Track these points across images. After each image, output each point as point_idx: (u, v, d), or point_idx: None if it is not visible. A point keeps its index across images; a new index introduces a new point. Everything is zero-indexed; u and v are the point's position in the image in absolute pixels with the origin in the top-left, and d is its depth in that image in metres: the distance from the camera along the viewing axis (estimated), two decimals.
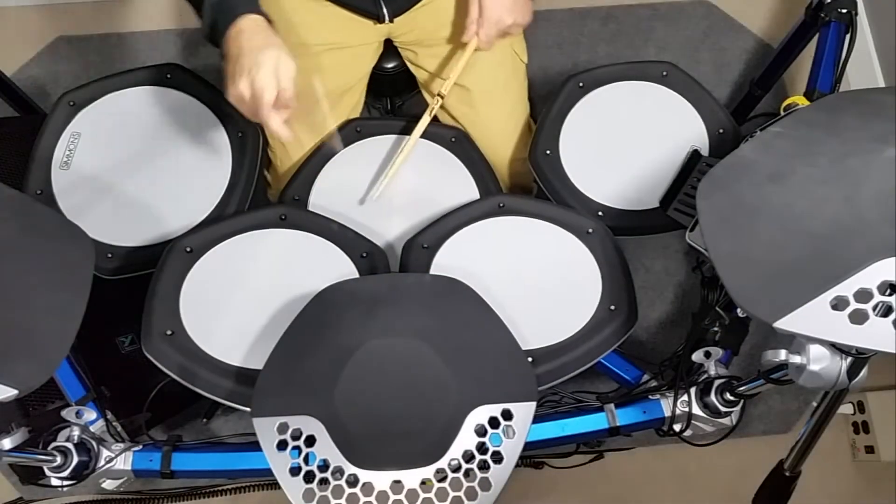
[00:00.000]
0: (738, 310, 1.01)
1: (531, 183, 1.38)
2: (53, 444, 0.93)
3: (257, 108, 0.91)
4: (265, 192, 1.35)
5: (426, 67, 1.28)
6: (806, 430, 0.78)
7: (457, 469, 0.84)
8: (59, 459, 0.91)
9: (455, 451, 0.85)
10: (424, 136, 1.21)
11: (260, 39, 0.92)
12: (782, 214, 0.74)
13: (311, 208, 1.15)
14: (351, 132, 1.24)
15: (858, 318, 0.65)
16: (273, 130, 0.93)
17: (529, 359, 0.99)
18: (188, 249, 1.06)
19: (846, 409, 1.70)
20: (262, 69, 0.90)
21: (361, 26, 1.21)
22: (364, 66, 1.28)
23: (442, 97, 1.17)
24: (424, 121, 1.17)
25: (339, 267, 1.07)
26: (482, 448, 0.86)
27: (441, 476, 0.84)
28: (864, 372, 0.69)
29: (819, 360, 0.69)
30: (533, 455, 1.56)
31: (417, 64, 1.29)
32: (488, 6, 1.09)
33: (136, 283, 1.07)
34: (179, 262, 1.05)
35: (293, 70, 0.92)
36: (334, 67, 1.22)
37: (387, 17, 1.18)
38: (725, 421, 0.97)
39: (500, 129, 1.27)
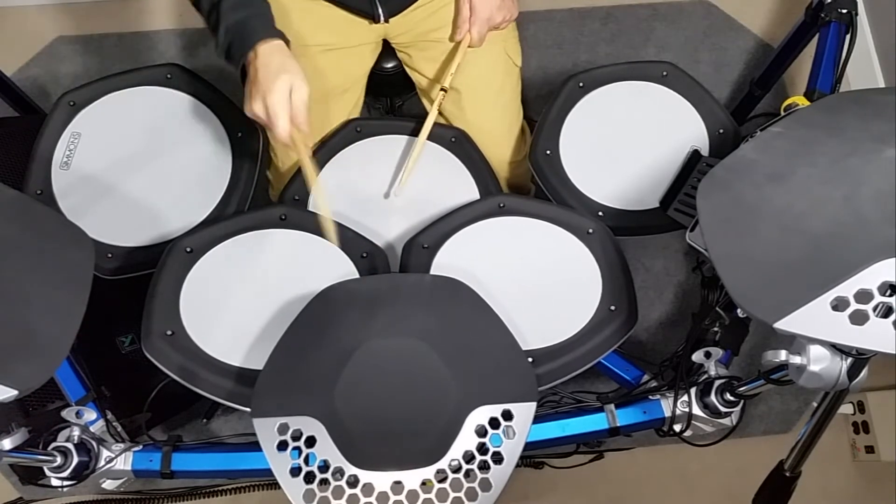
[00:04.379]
0: (738, 310, 1.01)
1: (527, 185, 1.38)
2: (53, 445, 0.93)
3: (272, 130, 0.96)
4: (266, 192, 1.35)
5: (421, 70, 1.28)
6: (806, 431, 0.78)
7: (457, 470, 0.84)
8: (59, 459, 0.91)
9: (455, 452, 0.85)
10: None
11: (276, 63, 0.96)
12: (782, 214, 0.74)
13: (311, 208, 1.15)
14: (351, 132, 1.24)
15: (859, 318, 0.65)
16: (294, 154, 1.00)
17: (529, 359, 0.99)
18: (188, 249, 1.06)
19: (846, 409, 1.70)
20: (276, 95, 0.94)
21: (358, 26, 1.21)
22: (362, 67, 1.28)
23: (445, 91, 1.19)
24: (433, 114, 1.18)
25: (339, 267, 1.07)
26: (482, 448, 0.86)
27: (441, 477, 0.84)
28: (864, 372, 0.69)
29: (819, 361, 0.69)
30: (533, 455, 1.56)
31: (413, 67, 1.29)
32: (478, 5, 1.15)
33: (136, 283, 1.07)
34: (179, 262, 1.05)
35: (306, 95, 0.96)
36: (332, 68, 1.22)
37: (382, 18, 1.18)
38: (725, 421, 0.97)
39: (492, 131, 1.27)
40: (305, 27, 1.18)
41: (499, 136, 1.29)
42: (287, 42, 1.00)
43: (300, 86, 0.96)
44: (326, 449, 0.85)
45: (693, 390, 0.98)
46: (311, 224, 1.10)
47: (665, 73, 1.23)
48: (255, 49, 0.96)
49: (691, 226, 1.04)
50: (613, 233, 1.11)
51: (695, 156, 1.16)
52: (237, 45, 0.97)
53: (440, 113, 1.28)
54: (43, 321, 0.79)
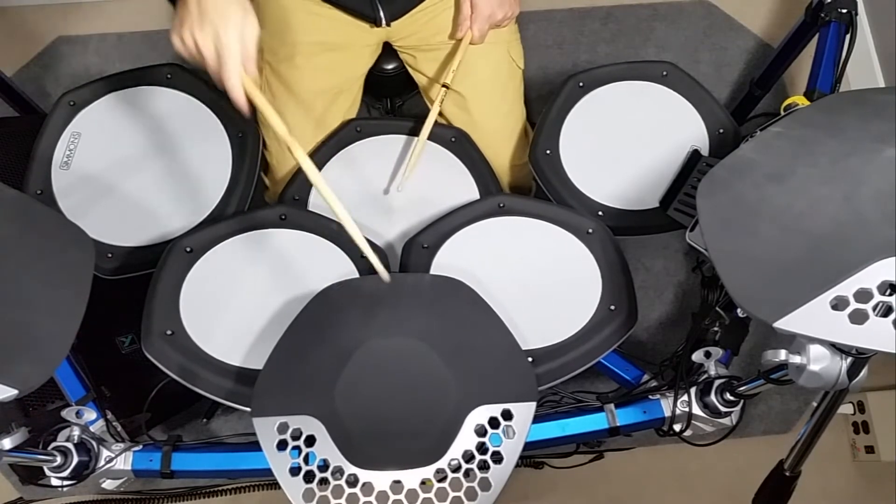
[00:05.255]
0: (738, 310, 1.02)
1: (529, 186, 1.38)
2: (53, 444, 0.93)
3: (220, 67, 0.85)
4: (264, 194, 1.35)
5: (425, 72, 1.28)
6: (806, 430, 0.78)
7: (457, 469, 0.84)
8: (59, 459, 0.91)
9: (455, 451, 0.85)
10: None
11: None
12: (782, 214, 0.74)
13: (310, 208, 1.15)
14: (351, 132, 1.24)
15: (858, 318, 0.65)
16: (233, 96, 0.86)
17: (529, 359, 0.99)
18: (188, 249, 1.06)
19: (846, 409, 1.70)
20: (230, 28, 0.83)
21: (359, 29, 1.21)
22: (360, 68, 1.28)
23: (447, 87, 1.19)
24: (434, 111, 1.18)
25: (339, 267, 1.07)
26: (482, 448, 0.86)
27: (441, 476, 0.84)
28: (864, 372, 0.69)
29: (819, 360, 0.69)
30: (533, 455, 1.56)
31: (416, 68, 1.29)
32: (479, 3, 1.15)
33: (136, 283, 1.07)
34: (179, 262, 1.05)
35: (258, 33, 0.86)
36: (330, 67, 1.22)
37: (384, 21, 1.18)
38: (725, 421, 0.97)
39: (496, 133, 1.27)
40: (305, 26, 1.18)
41: (502, 139, 1.29)
42: None
43: (252, 21, 0.85)
44: (326, 448, 0.85)
45: (693, 390, 0.98)
46: (312, 224, 1.10)
47: (665, 73, 1.23)
48: None
49: (691, 226, 1.04)
50: (613, 233, 1.11)
51: (695, 156, 1.16)
52: None
53: (442, 114, 1.28)
54: (43, 321, 0.79)
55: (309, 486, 0.83)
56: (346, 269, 1.07)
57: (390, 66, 1.34)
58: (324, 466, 0.84)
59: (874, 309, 0.65)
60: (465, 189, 1.19)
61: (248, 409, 0.90)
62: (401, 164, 1.20)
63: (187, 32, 0.84)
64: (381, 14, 1.17)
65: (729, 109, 1.49)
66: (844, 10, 1.27)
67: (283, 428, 0.86)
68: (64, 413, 0.95)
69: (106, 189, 1.14)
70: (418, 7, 1.20)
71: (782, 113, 1.06)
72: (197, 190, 1.15)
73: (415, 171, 1.18)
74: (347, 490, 0.83)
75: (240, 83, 0.84)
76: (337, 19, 1.19)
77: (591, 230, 1.10)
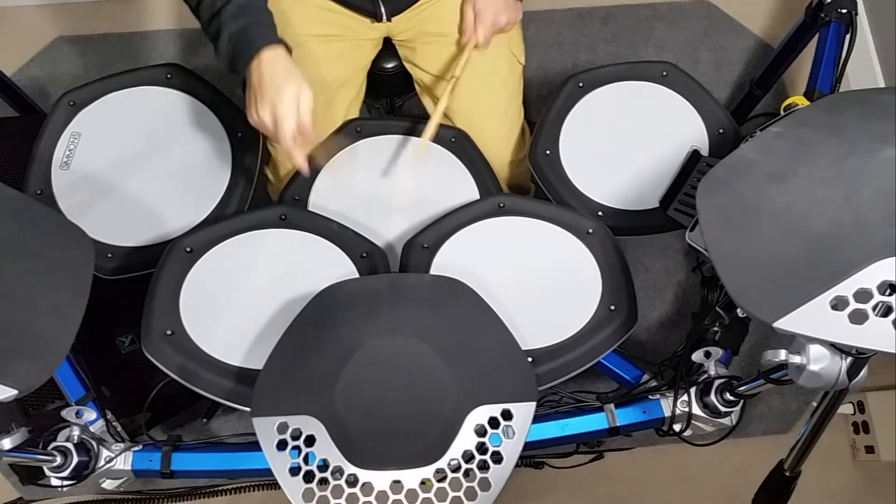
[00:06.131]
0: (738, 310, 1.02)
1: (528, 184, 1.38)
2: (53, 444, 0.93)
3: (278, 137, 0.97)
4: (265, 192, 1.35)
5: (422, 66, 1.28)
6: (806, 430, 0.78)
7: (456, 469, 0.84)
8: (59, 459, 0.91)
9: (455, 451, 0.85)
10: None
11: (281, 70, 0.97)
12: (782, 214, 0.74)
13: (311, 208, 1.15)
14: (351, 132, 1.24)
15: (858, 318, 0.65)
16: (294, 162, 1.00)
17: (529, 359, 0.99)
18: (188, 249, 1.06)
19: (846, 409, 1.70)
20: (285, 103, 0.95)
21: (360, 25, 1.21)
22: (362, 59, 1.28)
23: (457, 78, 1.18)
24: (442, 104, 1.16)
25: (339, 267, 1.07)
26: (482, 448, 0.86)
27: (441, 476, 0.84)
28: (864, 372, 0.69)
29: (819, 360, 0.69)
30: (533, 455, 1.56)
31: (414, 63, 1.29)
32: (482, 9, 1.17)
33: (136, 283, 1.07)
34: (179, 262, 1.05)
35: (311, 101, 0.97)
36: (331, 59, 1.22)
37: (385, 17, 1.18)
38: (725, 421, 0.97)
39: (493, 130, 1.27)
40: (305, 20, 1.18)
41: (501, 135, 1.29)
42: (289, 49, 1.00)
43: (306, 93, 0.96)
44: (326, 448, 0.85)
45: (693, 390, 0.98)
46: (311, 224, 1.10)
47: (665, 73, 1.23)
48: (259, 56, 0.96)
49: (691, 226, 1.04)
50: (613, 233, 1.11)
51: (695, 156, 1.16)
52: (240, 52, 0.97)
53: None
54: (43, 321, 0.79)
55: (309, 485, 0.83)
56: (346, 269, 1.07)
57: (390, 66, 1.34)
58: (323, 466, 0.84)
59: (874, 309, 0.65)
60: (465, 189, 1.19)
61: (248, 409, 0.90)
62: (401, 165, 1.20)
63: (253, 113, 0.99)
64: (382, 10, 1.18)
65: (729, 109, 1.49)
66: (844, 10, 1.27)
67: (282, 428, 0.86)
68: (64, 413, 0.95)
69: (106, 189, 1.14)
70: (418, 1, 1.20)
71: (782, 113, 1.06)
72: (197, 190, 1.15)
73: (413, 173, 1.18)
74: (347, 490, 0.83)
75: (293, 146, 0.98)
76: (338, 13, 1.19)
77: (591, 230, 1.10)
